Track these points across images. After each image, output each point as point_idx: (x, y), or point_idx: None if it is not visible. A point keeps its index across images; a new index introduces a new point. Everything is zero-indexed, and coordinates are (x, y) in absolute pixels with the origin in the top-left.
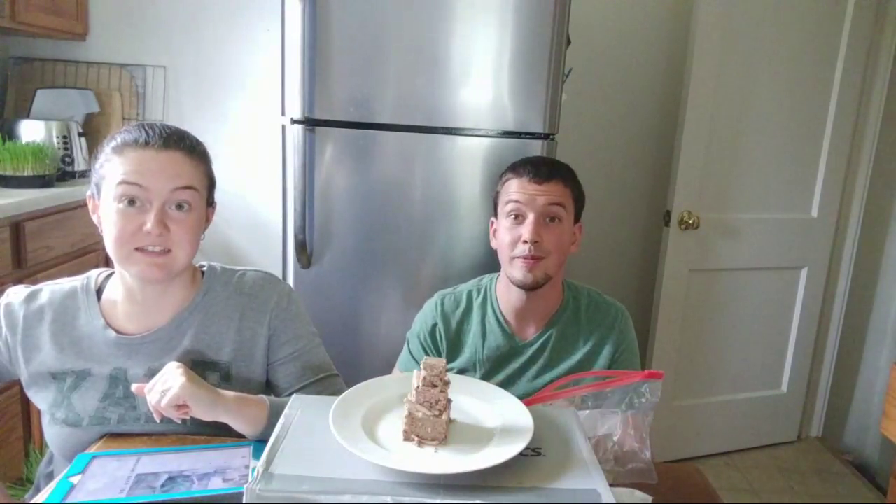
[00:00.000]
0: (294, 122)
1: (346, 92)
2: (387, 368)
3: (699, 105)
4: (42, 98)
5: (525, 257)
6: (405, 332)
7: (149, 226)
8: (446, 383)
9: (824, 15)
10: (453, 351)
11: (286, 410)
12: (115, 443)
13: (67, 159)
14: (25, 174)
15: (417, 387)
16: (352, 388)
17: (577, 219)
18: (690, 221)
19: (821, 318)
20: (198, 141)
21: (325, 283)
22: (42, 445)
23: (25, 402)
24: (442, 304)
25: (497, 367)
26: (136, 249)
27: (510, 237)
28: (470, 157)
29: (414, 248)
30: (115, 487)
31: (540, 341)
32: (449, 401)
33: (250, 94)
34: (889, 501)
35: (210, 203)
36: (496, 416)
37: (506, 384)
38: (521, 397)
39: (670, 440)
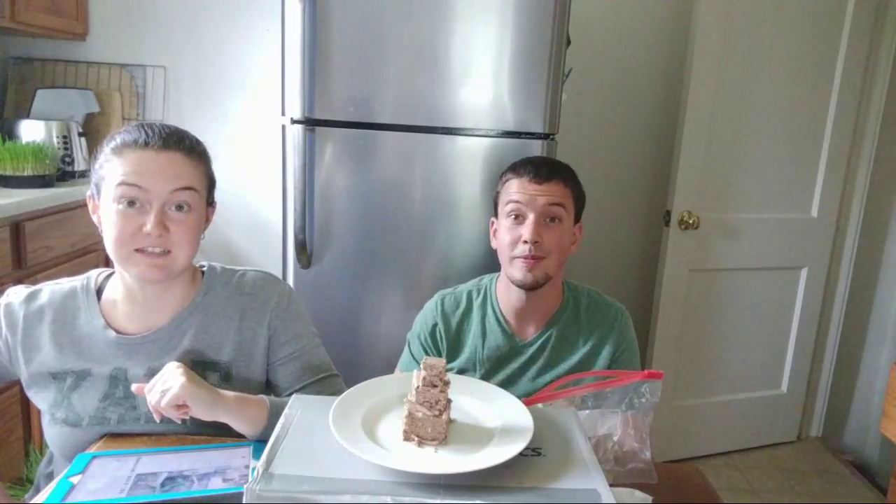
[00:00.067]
0: (294, 122)
1: (346, 92)
2: (387, 368)
3: (699, 105)
4: (42, 98)
5: (525, 257)
6: (405, 332)
7: (148, 227)
8: (446, 383)
9: (824, 15)
10: (453, 351)
11: (286, 410)
12: (115, 443)
13: (67, 159)
14: (25, 174)
15: (417, 387)
16: (352, 388)
17: (577, 219)
18: (690, 221)
19: (821, 318)
20: (197, 141)
21: (325, 283)
22: (42, 445)
23: (25, 402)
24: (442, 304)
25: (497, 367)
26: (136, 251)
27: (510, 237)
28: (470, 157)
29: (414, 248)
30: (115, 487)
31: (540, 341)
32: (449, 401)
33: (250, 94)
34: (889, 501)
35: (210, 203)
36: (496, 416)
37: (506, 384)
38: (521, 397)
39: (670, 440)
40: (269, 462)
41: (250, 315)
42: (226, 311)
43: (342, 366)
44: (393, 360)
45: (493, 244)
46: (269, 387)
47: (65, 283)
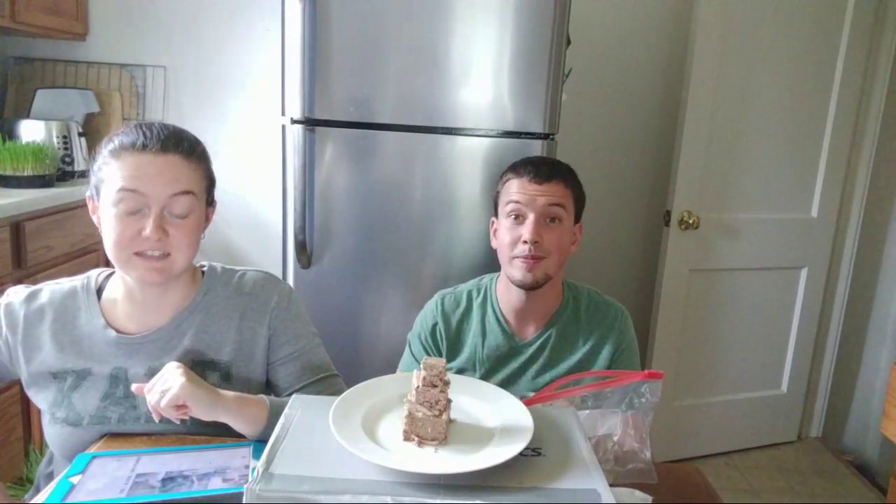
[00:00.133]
0: (294, 122)
1: (346, 92)
2: (387, 368)
3: (699, 105)
4: (42, 98)
5: (525, 257)
6: (405, 332)
7: (147, 231)
8: (446, 383)
9: (824, 15)
10: (453, 350)
11: (286, 410)
12: (115, 443)
13: (67, 159)
14: (25, 174)
15: (417, 387)
16: (352, 388)
17: (577, 219)
18: (690, 221)
19: (821, 318)
20: (196, 141)
21: (325, 283)
22: (42, 445)
23: (25, 402)
24: (442, 304)
25: (497, 367)
26: (136, 254)
27: (510, 237)
28: (470, 157)
29: (414, 248)
30: (115, 487)
31: (540, 341)
32: (449, 401)
33: (250, 94)
34: (889, 501)
35: (210, 203)
36: (496, 416)
37: (506, 384)
38: (520, 397)
39: (670, 440)
40: (269, 462)
41: (250, 315)
42: (226, 311)
43: (342, 366)
44: (393, 360)
45: (493, 244)
46: (269, 387)
47: (65, 283)
